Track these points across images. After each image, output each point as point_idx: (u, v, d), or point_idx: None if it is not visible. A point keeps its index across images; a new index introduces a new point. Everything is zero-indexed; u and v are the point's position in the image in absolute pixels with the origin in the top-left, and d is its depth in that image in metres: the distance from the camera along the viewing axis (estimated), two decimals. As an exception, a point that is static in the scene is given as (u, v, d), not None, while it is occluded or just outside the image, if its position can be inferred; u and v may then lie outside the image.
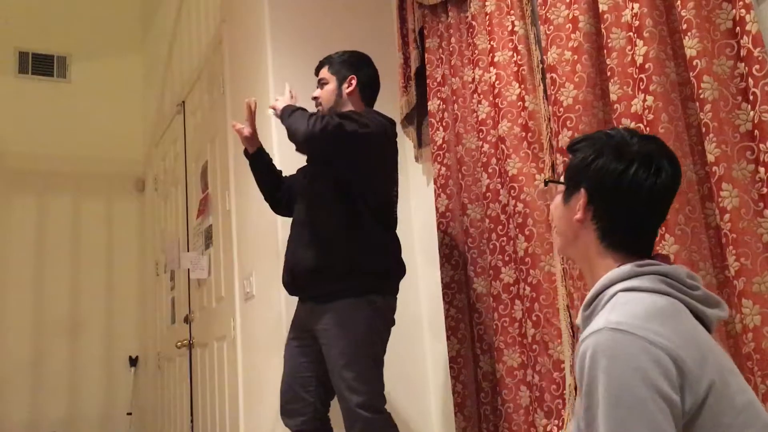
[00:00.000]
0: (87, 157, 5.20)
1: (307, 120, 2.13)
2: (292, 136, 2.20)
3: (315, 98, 2.42)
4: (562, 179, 1.29)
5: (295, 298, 2.39)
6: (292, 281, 2.32)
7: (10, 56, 5.17)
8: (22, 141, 5.03)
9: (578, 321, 1.21)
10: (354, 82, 2.38)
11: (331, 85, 2.39)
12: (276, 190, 2.56)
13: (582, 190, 1.21)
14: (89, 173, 5.23)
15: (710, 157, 1.63)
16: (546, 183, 1.34)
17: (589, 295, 1.16)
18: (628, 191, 1.15)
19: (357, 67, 2.42)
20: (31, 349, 4.82)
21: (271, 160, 2.58)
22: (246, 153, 2.56)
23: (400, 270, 2.32)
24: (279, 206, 2.58)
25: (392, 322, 2.28)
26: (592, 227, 1.20)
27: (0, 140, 4.97)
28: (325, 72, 2.41)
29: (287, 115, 2.25)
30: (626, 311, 1.04)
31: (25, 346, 4.80)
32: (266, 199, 2.59)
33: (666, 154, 1.18)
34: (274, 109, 2.35)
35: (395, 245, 2.33)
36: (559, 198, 1.28)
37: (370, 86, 2.44)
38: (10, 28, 5.16)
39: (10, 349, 4.75)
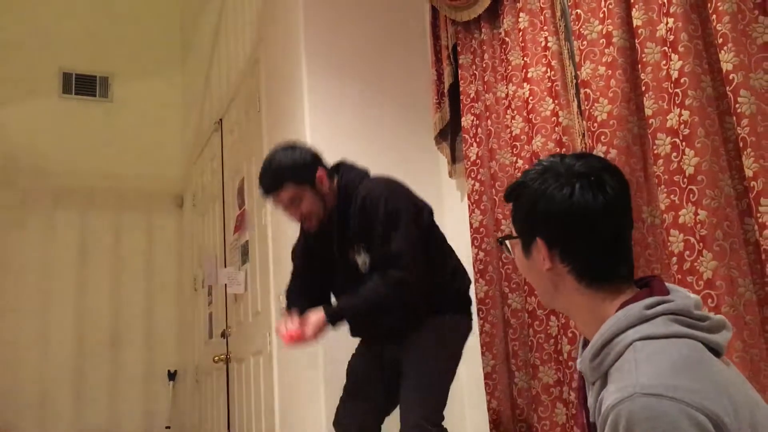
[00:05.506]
0: (128, 174, 5.32)
1: (384, 288, 2.07)
2: (386, 304, 2.12)
3: (299, 216, 2.21)
4: (513, 232, 1.22)
5: None
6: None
7: (55, 77, 5.32)
8: (66, 159, 5.17)
9: (581, 367, 1.13)
10: (323, 174, 2.21)
11: (309, 195, 2.18)
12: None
13: (537, 240, 1.14)
14: (130, 190, 5.34)
15: (748, 172, 1.61)
16: (500, 242, 1.28)
17: (596, 343, 1.07)
18: (581, 216, 1.09)
19: (312, 159, 2.21)
20: (72, 363, 4.92)
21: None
22: None
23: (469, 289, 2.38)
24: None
25: (467, 338, 2.33)
26: (566, 270, 1.13)
27: (44, 158, 5.12)
28: (291, 189, 2.16)
29: (345, 314, 2.14)
30: (654, 369, 0.96)
31: (67, 359, 4.90)
32: None
33: (607, 168, 1.13)
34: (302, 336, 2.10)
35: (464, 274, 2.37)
36: (519, 253, 1.21)
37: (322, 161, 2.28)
38: (54, 50, 5.32)
39: (52, 362, 4.85)
